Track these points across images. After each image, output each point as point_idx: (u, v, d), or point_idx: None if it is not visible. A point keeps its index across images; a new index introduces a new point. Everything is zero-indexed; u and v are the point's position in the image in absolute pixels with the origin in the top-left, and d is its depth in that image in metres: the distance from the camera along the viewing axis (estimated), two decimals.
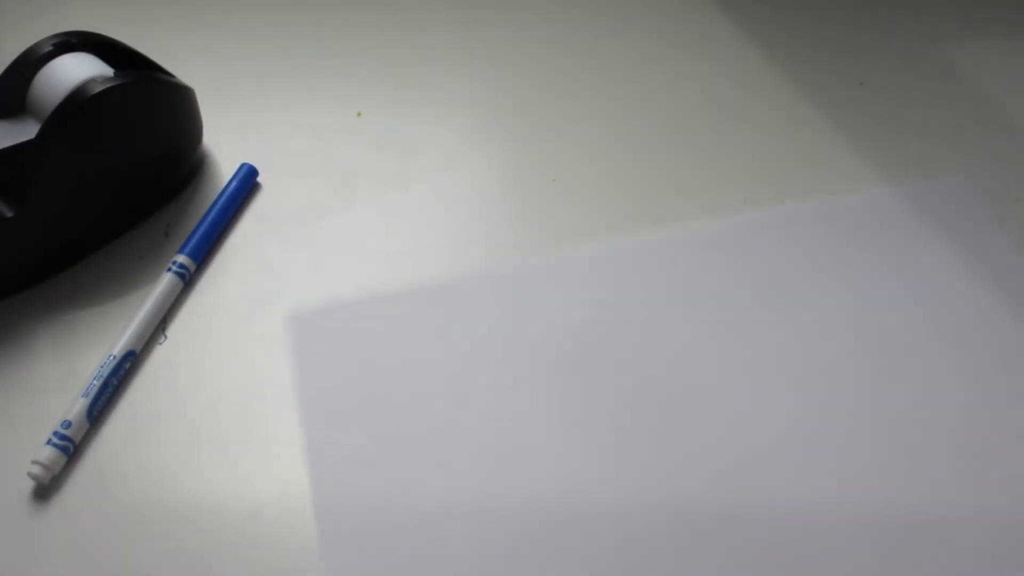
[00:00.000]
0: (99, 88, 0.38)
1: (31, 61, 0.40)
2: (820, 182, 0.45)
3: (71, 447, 0.35)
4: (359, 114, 0.48)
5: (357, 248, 0.42)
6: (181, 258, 0.40)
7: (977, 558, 0.33)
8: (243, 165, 0.44)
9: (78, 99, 0.38)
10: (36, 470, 0.35)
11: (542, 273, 0.41)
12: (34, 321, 0.39)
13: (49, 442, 0.35)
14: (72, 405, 0.36)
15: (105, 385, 0.36)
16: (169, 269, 0.40)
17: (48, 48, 0.40)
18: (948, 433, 0.36)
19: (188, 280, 0.40)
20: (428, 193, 0.44)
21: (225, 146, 0.46)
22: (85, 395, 0.36)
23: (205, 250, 0.41)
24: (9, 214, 0.37)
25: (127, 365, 0.37)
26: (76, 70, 0.39)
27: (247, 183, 0.43)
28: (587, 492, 0.35)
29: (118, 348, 0.37)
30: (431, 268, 0.42)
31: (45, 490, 0.35)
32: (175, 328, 0.39)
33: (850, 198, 0.44)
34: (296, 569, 0.33)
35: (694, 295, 0.40)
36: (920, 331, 0.39)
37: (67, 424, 0.35)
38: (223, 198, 0.42)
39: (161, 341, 0.39)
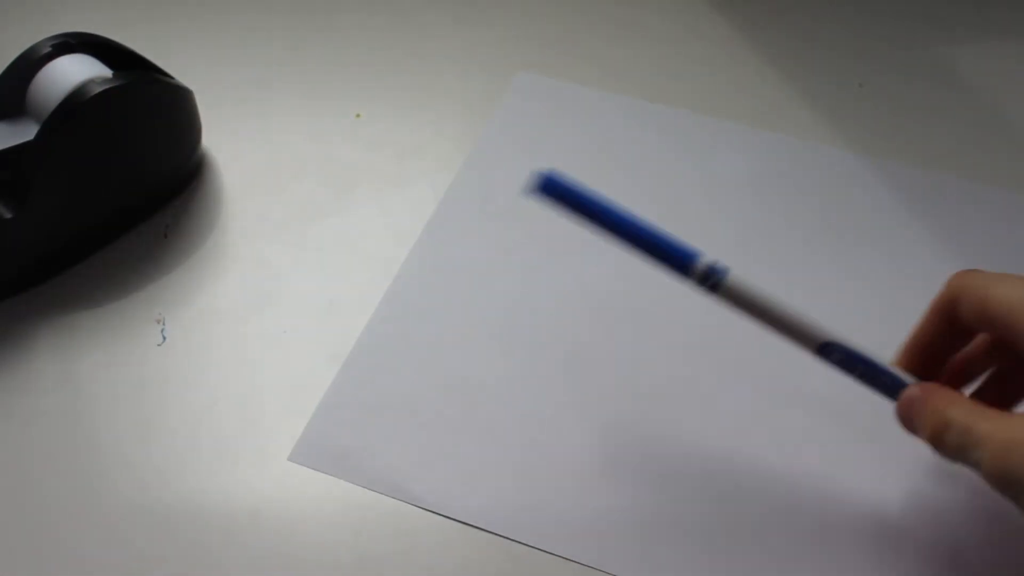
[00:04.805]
0: (98, 89, 0.38)
1: (30, 62, 0.40)
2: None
3: None
4: (358, 115, 0.48)
5: (356, 249, 0.42)
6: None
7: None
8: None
9: (77, 100, 0.38)
10: None
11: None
12: (34, 321, 0.39)
13: None
14: None
15: None
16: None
17: (47, 49, 0.40)
18: None
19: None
20: (427, 194, 0.44)
21: (224, 147, 0.46)
22: None
23: None
24: (9, 215, 0.37)
25: None
26: (75, 71, 0.39)
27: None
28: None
29: None
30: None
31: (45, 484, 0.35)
32: (174, 329, 0.39)
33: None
34: (295, 569, 0.33)
35: None
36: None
37: None
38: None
39: (160, 342, 0.39)
